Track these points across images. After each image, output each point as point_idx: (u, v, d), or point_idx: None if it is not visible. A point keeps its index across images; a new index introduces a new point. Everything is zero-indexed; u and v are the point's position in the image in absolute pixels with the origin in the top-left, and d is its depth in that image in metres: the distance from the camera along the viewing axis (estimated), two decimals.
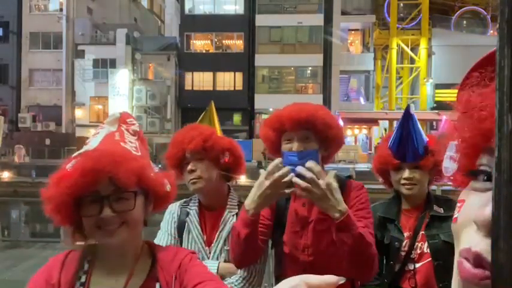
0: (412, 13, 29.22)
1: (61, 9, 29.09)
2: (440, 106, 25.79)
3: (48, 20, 28.61)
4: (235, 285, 1.64)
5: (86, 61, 28.20)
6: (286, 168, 1.39)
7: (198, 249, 1.74)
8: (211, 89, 28.42)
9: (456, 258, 0.54)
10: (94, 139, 1.19)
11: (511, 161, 0.39)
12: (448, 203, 1.83)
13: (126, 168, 1.04)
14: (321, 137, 1.62)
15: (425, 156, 1.79)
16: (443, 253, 1.71)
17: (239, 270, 1.66)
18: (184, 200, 1.87)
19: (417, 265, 1.74)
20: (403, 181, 1.82)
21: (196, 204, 1.82)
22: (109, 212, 1.03)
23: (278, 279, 1.69)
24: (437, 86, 26.87)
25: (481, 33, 30.95)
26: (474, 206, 0.49)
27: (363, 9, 31.60)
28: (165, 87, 27.90)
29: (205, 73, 28.51)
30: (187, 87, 28.64)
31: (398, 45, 28.00)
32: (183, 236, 1.77)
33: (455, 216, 0.54)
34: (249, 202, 1.44)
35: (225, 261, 1.71)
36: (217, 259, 1.72)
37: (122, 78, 28.03)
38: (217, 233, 1.75)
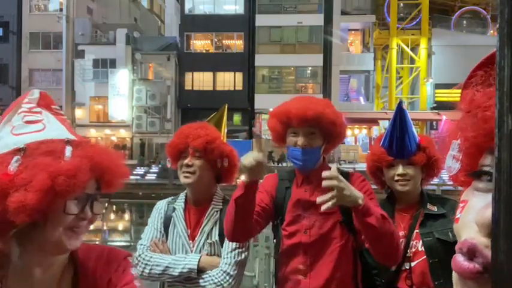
0: (412, 13, 29.23)
1: (61, 9, 29.09)
2: (440, 106, 25.79)
3: (48, 20, 28.62)
4: (216, 278, 1.70)
5: (86, 61, 28.21)
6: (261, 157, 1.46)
7: (182, 243, 1.80)
8: (211, 89, 28.44)
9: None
10: (48, 124, 0.96)
11: (511, 161, 0.39)
12: (442, 201, 1.85)
13: (119, 172, 0.96)
14: (325, 134, 1.71)
15: (417, 152, 1.81)
16: (438, 251, 1.72)
17: (220, 264, 1.72)
18: (172, 197, 1.95)
19: (412, 264, 1.75)
20: (396, 177, 1.84)
21: (183, 200, 1.89)
22: (89, 213, 0.91)
23: (278, 265, 1.74)
24: (437, 86, 26.86)
25: (481, 33, 30.95)
26: (476, 207, 0.48)
27: (363, 9, 31.60)
28: (165, 87, 27.90)
29: (205, 73, 28.52)
30: (187, 87, 28.65)
31: (398, 45, 28.01)
32: (169, 230, 1.84)
33: (457, 216, 0.53)
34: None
35: (207, 254, 1.77)
36: (200, 252, 1.78)
37: (122, 78, 28.03)
38: (201, 228, 1.81)
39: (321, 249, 1.66)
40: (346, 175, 1.71)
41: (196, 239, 1.80)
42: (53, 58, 28.76)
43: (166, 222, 1.85)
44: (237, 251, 1.75)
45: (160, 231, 1.83)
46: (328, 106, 1.75)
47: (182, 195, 1.92)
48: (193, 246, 1.79)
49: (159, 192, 17.29)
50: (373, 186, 1.98)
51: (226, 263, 1.72)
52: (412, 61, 28.56)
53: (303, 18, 27.69)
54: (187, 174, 1.80)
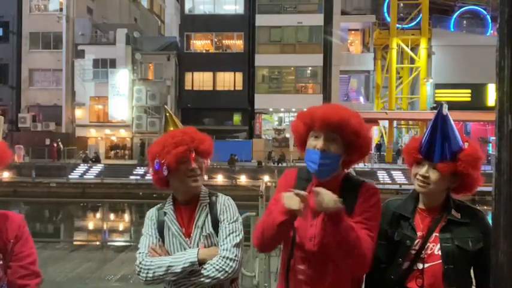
0: (412, 13, 29.25)
1: (61, 9, 29.11)
2: None
3: (48, 20, 28.63)
4: (217, 264, 1.73)
5: (86, 61, 28.22)
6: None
7: (179, 242, 1.83)
8: (211, 89, 28.45)
9: None
10: None
11: (511, 161, 0.39)
12: (467, 210, 1.80)
13: None
14: (347, 143, 1.66)
15: (446, 160, 1.74)
16: (455, 257, 1.70)
17: (219, 252, 1.76)
18: (160, 204, 1.98)
19: (426, 265, 1.73)
20: (418, 177, 1.81)
21: (171, 203, 1.93)
22: None
23: (288, 264, 1.75)
24: (437, 86, 26.88)
25: (481, 33, 30.96)
26: None
27: (363, 9, 31.65)
28: (165, 87, 27.91)
29: (205, 73, 28.53)
30: (187, 87, 28.66)
31: (398, 45, 28.01)
32: (164, 233, 1.87)
33: None
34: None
35: (205, 247, 1.81)
36: (198, 246, 1.81)
37: (121, 78, 28.04)
38: (194, 223, 1.85)
39: (323, 261, 1.66)
40: (359, 184, 1.71)
41: (191, 235, 1.84)
42: (53, 58, 28.77)
43: (160, 227, 1.88)
44: (231, 235, 1.79)
45: (156, 237, 1.87)
46: (356, 117, 1.71)
47: (169, 200, 1.94)
48: (190, 243, 1.83)
49: (160, 192, 17.26)
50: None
51: (224, 249, 1.76)
52: (412, 61, 28.56)
53: (303, 18, 27.70)
54: (196, 178, 1.84)
